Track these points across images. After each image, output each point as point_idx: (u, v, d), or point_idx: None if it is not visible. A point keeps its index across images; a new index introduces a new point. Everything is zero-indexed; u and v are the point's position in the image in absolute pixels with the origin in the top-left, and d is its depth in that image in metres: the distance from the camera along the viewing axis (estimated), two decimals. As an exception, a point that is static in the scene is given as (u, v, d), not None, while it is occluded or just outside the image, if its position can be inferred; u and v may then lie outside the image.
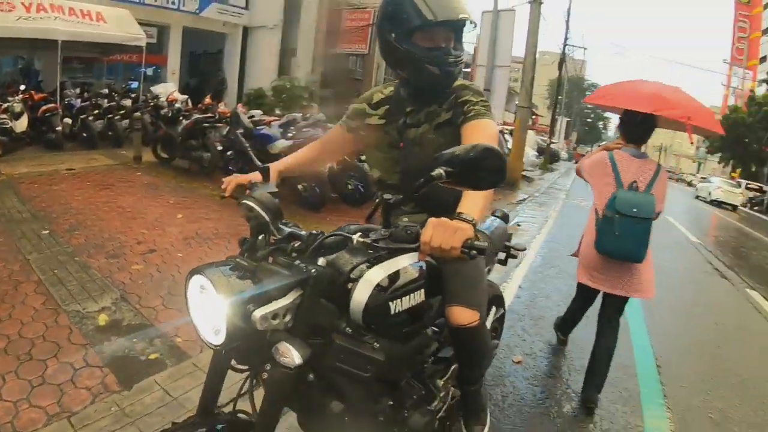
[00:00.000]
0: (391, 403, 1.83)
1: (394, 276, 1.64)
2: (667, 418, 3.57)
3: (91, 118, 11.49)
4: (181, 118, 9.90)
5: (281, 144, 7.68)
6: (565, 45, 33.32)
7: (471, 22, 1.94)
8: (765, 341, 5.88)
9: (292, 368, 1.42)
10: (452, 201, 1.64)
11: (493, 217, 3.08)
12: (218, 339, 1.42)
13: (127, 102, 12.60)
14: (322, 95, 20.33)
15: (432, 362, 2.18)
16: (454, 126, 1.96)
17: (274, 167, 2.08)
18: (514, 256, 3.11)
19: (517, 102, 17.60)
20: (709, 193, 29.70)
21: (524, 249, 3.35)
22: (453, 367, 2.29)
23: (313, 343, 1.48)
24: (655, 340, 4.93)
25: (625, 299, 3.42)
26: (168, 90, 13.03)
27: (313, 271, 1.48)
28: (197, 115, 9.83)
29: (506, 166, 1.44)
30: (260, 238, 1.65)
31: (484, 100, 2.00)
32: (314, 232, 1.65)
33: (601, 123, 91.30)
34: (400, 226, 1.53)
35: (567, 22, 34.98)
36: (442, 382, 2.20)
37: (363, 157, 6.60)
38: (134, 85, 14.77)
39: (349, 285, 1.57)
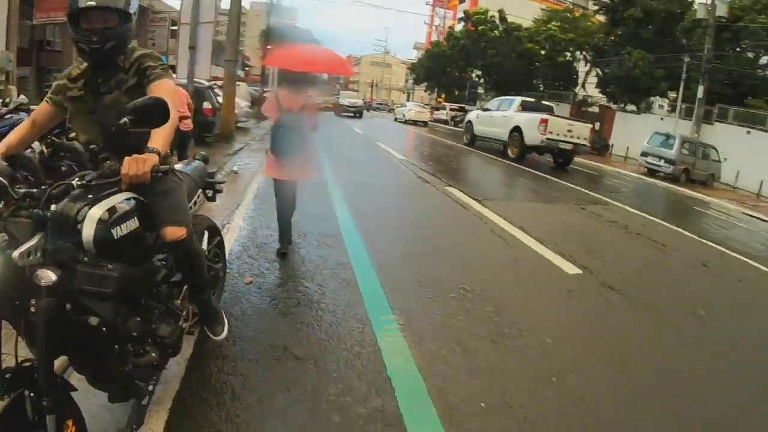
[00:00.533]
0: (139, 319, 2.30)
1: (111, 211, 2.08)
2: (382, 290, 4.57)
3: None
4: None
5: None
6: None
7: (110, 8, 2.40)
8: (460, 220, 7.56)
9: (51, 285, 1.75)
10: (143, 144, 2.22)
11: (195, 160, 3.55)
12: None
13: None
14: (21, 75, 18.33)
15: (167, 287, 2.68)
16: (140, 88, 2.47)
17: None
18: (219, 191, 3.65)
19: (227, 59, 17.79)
20: (404, 115, 39.03)
21: (224, 182, 4.22)
22: (185, 287, 2.81)
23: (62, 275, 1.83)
24: (366, 238, 6.04)
25: (295, 183, 5.30)
26: None
27: (48, 214, 1.86)
28: None
29: (168, 110, 2.06)
30: (1, 204, 1.91)
31: (162, 64, 2.57)
32: (44, 186, 1.98)
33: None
34: (104, 168, 2.09)
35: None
36: (179, 301, 2.73)
37: (72, 135, 6.53)
38: None
39: (79, 226, 1.98)
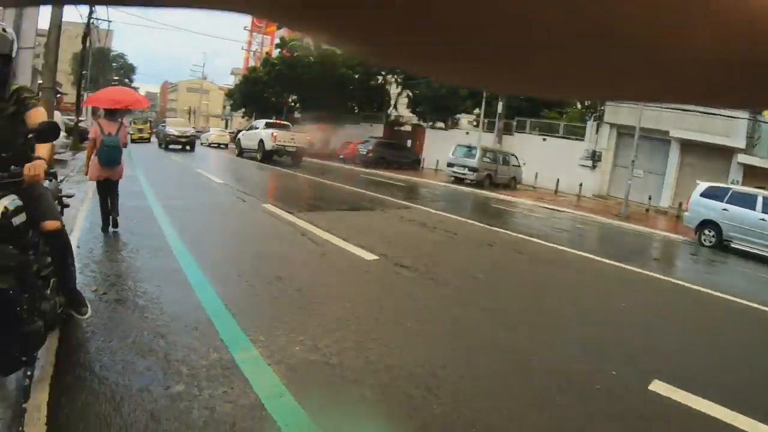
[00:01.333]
0: (27, 295, 2.95)
1: (10, 205, 2.82)
2: (209, 284, 5.38)
3: None
4: None
5: None
6: (90, 18, 32.06)
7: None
8: (275, 229, 8.62)
9: None
10: (30, 155, 3.08)
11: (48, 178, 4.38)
12: None
13: None
14: None
15: (39, 279, 3.38)
16: (18, 114, 3.19)
17: None
18: (67, 205, 4.46)
19: (40, 81, 17.21)
20: (207, 139, 43.30)
21: (73, 195, 5.19)
22: (52, 279, 3.56)
23: None
24: (193, 249, 6.73)
25: (116, 181, 7.54)
26: None
27: None
28: None
29: (59, 130, 2.94)
30: None
31: (35, 95, 3.40)
32: None
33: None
34: (12, 170, 2.87)
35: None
36: (49, 291, 3.47)
37: None
38: None
39: None
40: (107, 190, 7.48)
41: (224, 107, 72.14)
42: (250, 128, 30.59)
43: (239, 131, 41.59)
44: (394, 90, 40.89)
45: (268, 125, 28.13)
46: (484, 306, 5.63)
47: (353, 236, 8.21)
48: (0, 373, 2.82)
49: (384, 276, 6.37)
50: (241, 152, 29.91)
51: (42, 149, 3.07)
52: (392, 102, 40.75)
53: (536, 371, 4.11)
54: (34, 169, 2.85)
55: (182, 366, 3.62)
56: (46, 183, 3.99)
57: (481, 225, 11.29)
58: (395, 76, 39.69)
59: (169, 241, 7.11)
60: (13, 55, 3.22)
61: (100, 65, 62.93)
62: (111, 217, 7.42)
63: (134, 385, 3.34)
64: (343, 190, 16.43)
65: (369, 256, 7.09)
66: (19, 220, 2.85)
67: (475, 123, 34.66)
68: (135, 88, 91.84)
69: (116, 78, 67.80)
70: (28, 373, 3.20)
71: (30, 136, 2.84)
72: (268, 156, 26.48)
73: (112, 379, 3.40)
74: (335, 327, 4.52)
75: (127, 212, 8.07)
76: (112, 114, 7.70)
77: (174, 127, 33.03)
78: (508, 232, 10.80)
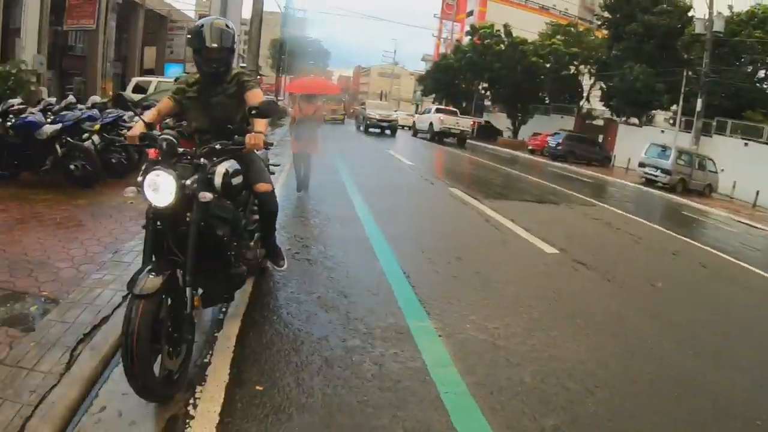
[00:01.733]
0: (236, 243, 3.59)
1: (230, 168, 3.32)
2: (393, 254, 5.96)
3: None
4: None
5: (48, 129, 7.17)
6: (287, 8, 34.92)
7: (225, 47, 3.68)
8: (461, 212, 9.11)
9: (209, 201, 2.97)
10: (245, 127, 3.59)
11: None
12: (166, 201, 2.87)
13: None
14: (49, 76, 19.17)
15: (246, 231, 4.02)
16: (238, 94, 3.74)
17: (145, 120, 3.56)
18: (273, 173, 4.93)
19: (242, 65, 19.27)
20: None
21: (279, 165, 6.20)
22: (257, 234, 4.21)
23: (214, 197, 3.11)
24: (378, 221, 7.29)
25: (310, 154, 9.14)
26: None
27: (202, 162, 3.13)
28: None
29: (279, 108, 3.49)
30: (172, 159, 3.09)
31: (253, 78, 3.92)
32: (194, 150, 3.24)
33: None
34: (236, 139, 3.35)
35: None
36: (252, 243, 4.13)
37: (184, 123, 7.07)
38: None
39: (210, 175, 3.18)
40: (302, 162, 9.09)
41: (415, 92, 73.90)
42: (424, 112, 37.46)
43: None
44: (587, 81, 39.65)
45: (438, 110, 33.97)
46: (656, 314, 5.50)
47: (535, 228, 8.42)
48: (203, 305, 3.32)
49: (561, 270, 6.51)
50: (416, 132, 35.24)
51: (260, 124, 3.46)
52: (585, 94, 39.59)
53: (697, 390, 3.94)
54: (255, 139, 3.25)
55: (360, 324, 4.09)
56: (260, 152, 4.49)
57: (668, 232, 10.81)
58: (588, 66, 38.53)
59: (358, 213, 7.88)
60: (235, 46, 3.76)
61: (296, 51, 66.97)
62: (302, 183, 9.10)
63: (315, 333, 3.87)
64: (530, 181, 16.72)
65: (549, 249, 7.26)
66: (236, 181, 3.32)
67: (671, 121, 32.62)
68: (329, 73, 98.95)
69: (311, 62, 71.51)
70: (223, 309, 3.78)
71: (253, 112, 3.24)
72: (435, 136, 31.55)
73: (295, 325, 3.97)
74: (507, 312, 4.77)
75: (321, 185, 9.54)
76: (308, 97, 9.50)
77: (375, 110, 32.65)
78: (695, 242, 10.23)
